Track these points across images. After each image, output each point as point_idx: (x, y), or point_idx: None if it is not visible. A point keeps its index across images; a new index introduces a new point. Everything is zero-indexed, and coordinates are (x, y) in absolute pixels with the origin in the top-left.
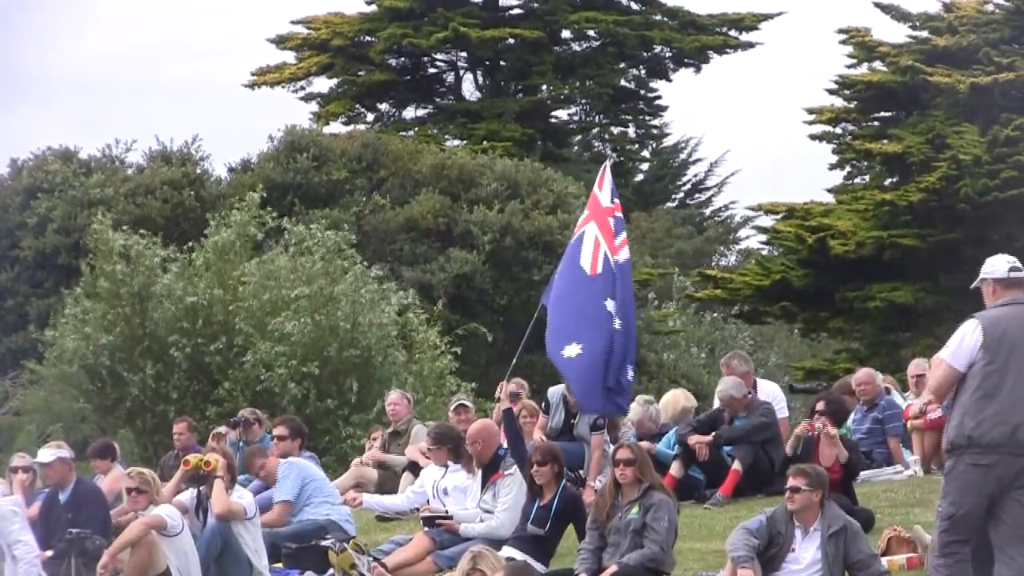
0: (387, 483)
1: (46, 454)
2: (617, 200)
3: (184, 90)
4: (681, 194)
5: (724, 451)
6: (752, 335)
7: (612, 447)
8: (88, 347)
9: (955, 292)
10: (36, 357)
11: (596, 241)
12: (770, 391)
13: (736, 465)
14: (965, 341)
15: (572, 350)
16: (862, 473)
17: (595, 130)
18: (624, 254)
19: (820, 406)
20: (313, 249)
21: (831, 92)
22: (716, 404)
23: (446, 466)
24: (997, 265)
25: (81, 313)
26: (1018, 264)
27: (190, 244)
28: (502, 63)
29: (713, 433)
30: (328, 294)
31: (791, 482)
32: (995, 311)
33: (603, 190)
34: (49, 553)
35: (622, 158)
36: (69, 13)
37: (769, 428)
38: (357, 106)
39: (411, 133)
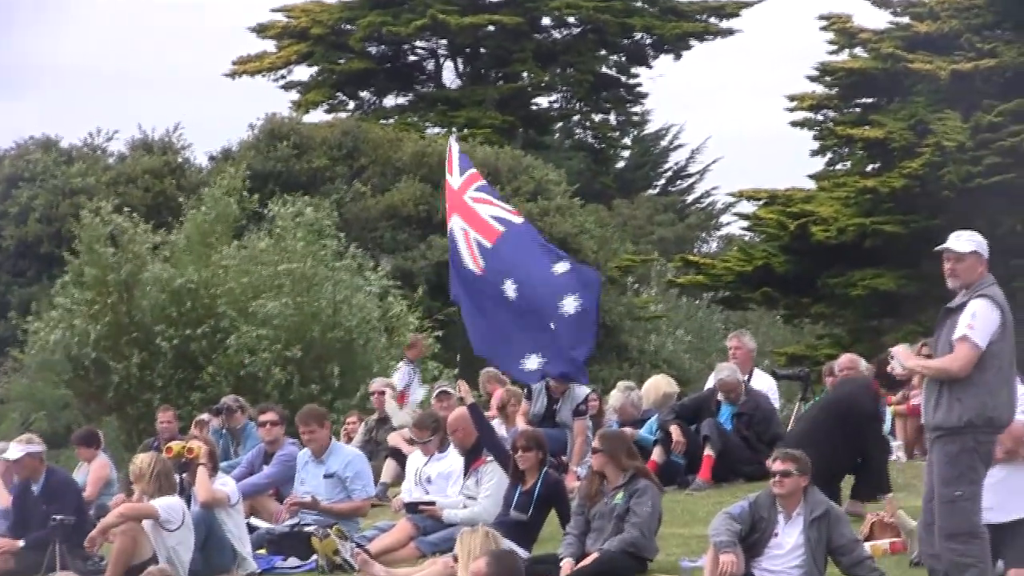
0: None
1: (15, 450)
2: (472, 170)
3: (165, 79)
4: (663, 181)
5: (697, 436)
6: (739, 321)
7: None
8: (73, 337)
9: (937, 279)
10: (18, 345)
11: (465, 234)
12: (767, 383)
13: (708, 451)
14: (989, 320)
15: (532, 362)
16: None
17: (576, 117)
18: (508, 216)
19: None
20: (294, 230)
21: (812, 79)
22: (709, 385)
23: (431, 454)
24: (982, 241)
25: (70, 303)
26: (983, 245)
27: (172, 230)
28: (482, 50)
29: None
30: (310, 276)
31: (780, 466)
32: (997, 289)
33: (453, 173)
34: (21, 543)
35: (603, 145)
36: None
37: (774, 421)
38: (337, 94)
39: (391, 121)
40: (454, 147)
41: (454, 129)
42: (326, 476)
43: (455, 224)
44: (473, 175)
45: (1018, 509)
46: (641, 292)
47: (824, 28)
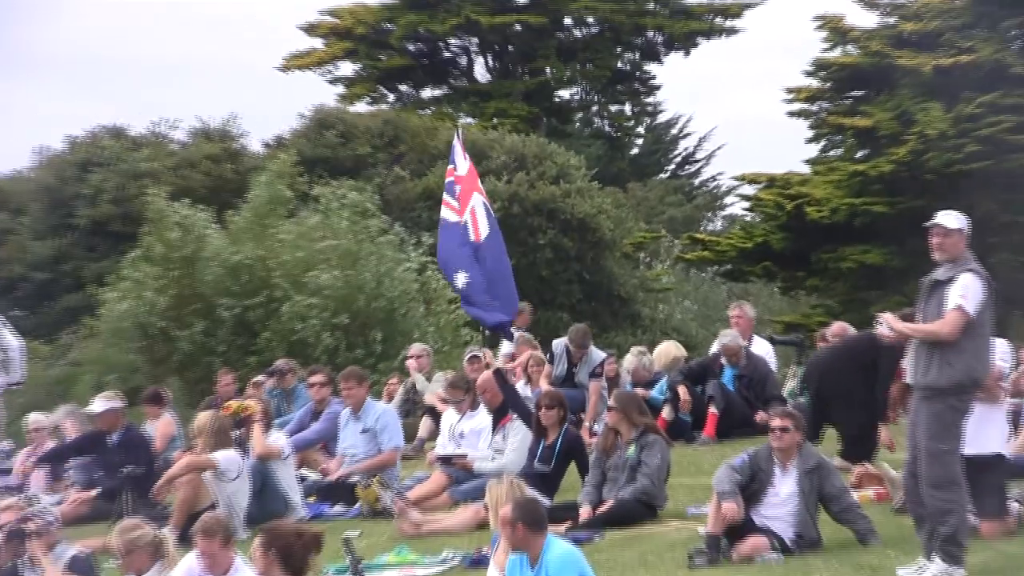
0: (408, 426)
1: (99, 404)
2: (451, 166)
3: (222, 73)
4: (673, 166)
5: (703, 396)
6: (740, 293)
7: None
8: (142, 307)
9: (921, 254)
10: (91, 314)
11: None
12: (765, 348)
13: (712, 409)
14: (977, 291)
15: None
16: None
17: (594, 108)
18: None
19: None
20: (339, 210)
21: (808, 74)
22: (713, 350)
23: (463, 413)
24: (965, 220)
25: (140, 276)
26: (967, 223)
27: (230, 212)
28: (510, 47)
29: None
30: (355, 251)
31: (779, 423)
32: (979, 264)
33: (458, 161)
34: (95, 492)
35: (619, 133)
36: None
37: (771, 382)
38: (379, 87)
39: (428, 112)
40: (457, 142)
41: (459, 126)
42: (363, 431)
43: (476, 201)
44: (450, 170)
45: (988, 445)
46: (652, 266)
47: (819, 27)
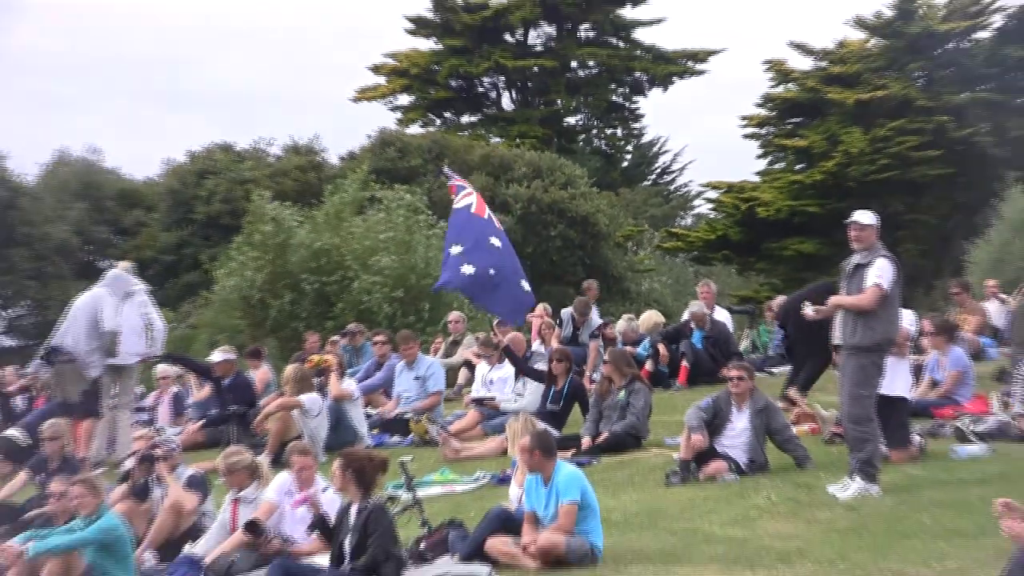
0: (449, 375)
1: (217, 355)
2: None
3: (308, 102)
4: (654, 176)
5: (677, 352)
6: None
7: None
8: (244, 283)
9: (844, 244)
10: (206, 288)
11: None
12: (724, 316)
13: (684, 363)
14: (890, 272)
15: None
16: (778, 368)
17: (594, 131)
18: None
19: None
20: (396, 209)
21: (758, 105)
22: (685, 317)
23: (493, 365)
24: (876, 217)
25: (243, 259)
26: (878, 219)
27: (313, 210)
28: (529, 84)
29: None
30: (408, 241)
31: (736, 373)
32: (889, 252)
33: (458, 193)
34: (201, 422)
35: (613, 151)
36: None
37: (731, 342)
38: (428, 114)
39: (465, 133)
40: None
41: (445, 168)
42: (415, 379)
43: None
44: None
45: (895, 389)
46: (638, 253)
47: (767, 69)
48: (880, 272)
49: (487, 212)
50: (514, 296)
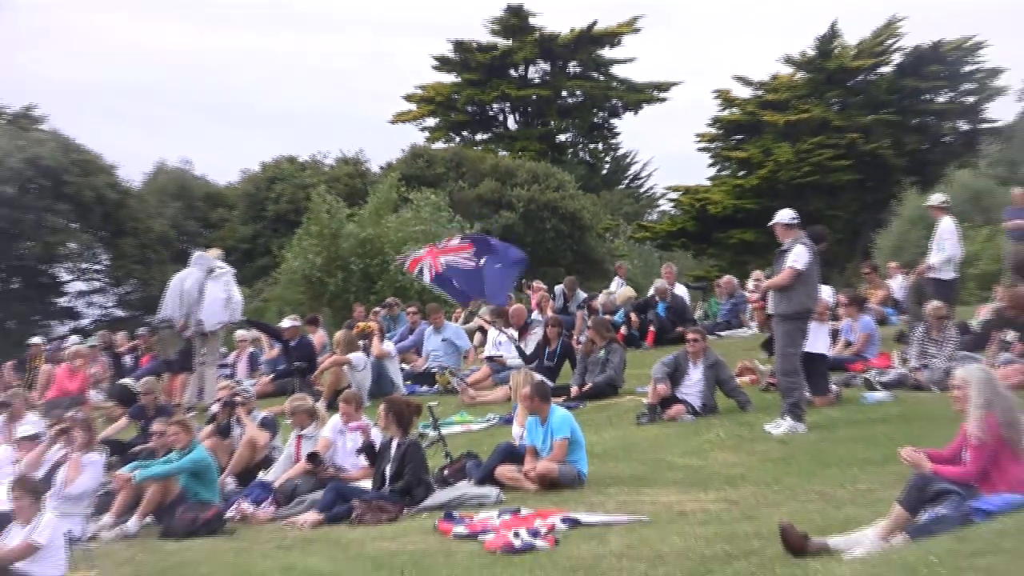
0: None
1: (286, 322)
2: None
3: (355, 121)
4: (627, 181)
5: (645, 320)
6: (668, 257)
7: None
8: (306, 264)
9: (774, 235)
10: (275, 270)
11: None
12: (683, 291)
13: (651, 328)
14: (804, 255)
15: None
16: (727, 332)
17: (580, 146)
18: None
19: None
20: (424, 208)
21: (709, 125)
22: (651, 292)
23: (500, 330)
24: (794, 215)
25: (305, 245)
26: (796, 216)
27: (359, 208)
28: (529, 109)
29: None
30: (434, 232)
31: (692, 336)
32: (807, 239)
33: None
34: (271, 375)
35: (595, 161)
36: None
37: (688, 311)
38: (449, 133)
39: (479, 148)
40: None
41: (397, 259)
42: (442, 341)
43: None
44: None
45: (816, 347)
46: (615, 242)
47: (715, 97)
48: (796, 257)
49: (452, 247)
50: (495, 283)
